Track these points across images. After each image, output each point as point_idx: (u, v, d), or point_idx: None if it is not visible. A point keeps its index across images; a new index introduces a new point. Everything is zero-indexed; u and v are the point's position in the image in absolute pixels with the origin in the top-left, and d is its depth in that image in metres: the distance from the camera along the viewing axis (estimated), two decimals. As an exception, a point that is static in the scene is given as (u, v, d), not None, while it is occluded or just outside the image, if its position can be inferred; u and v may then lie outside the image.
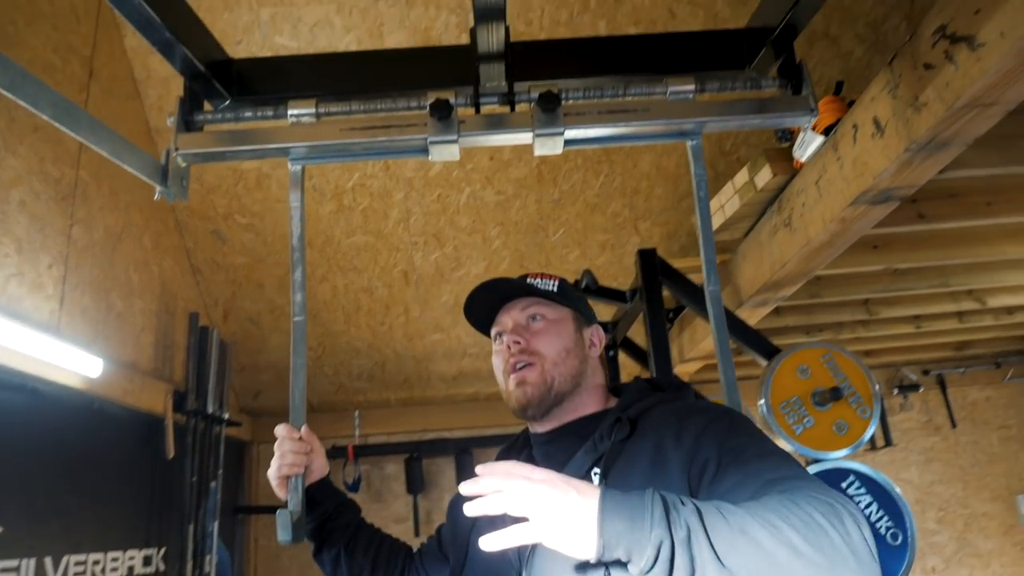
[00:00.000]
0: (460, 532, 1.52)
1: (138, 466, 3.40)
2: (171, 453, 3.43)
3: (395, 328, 4.54)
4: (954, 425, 5.38)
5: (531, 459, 1.46)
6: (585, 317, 1.48)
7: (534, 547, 1.30)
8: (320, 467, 1.56)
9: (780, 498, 0.95)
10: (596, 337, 1.48)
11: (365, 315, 4.44)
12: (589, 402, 1.41)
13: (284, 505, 1.47)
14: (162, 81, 3.40)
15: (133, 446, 3.38)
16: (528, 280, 1.43)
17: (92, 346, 2.94)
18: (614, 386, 1.50)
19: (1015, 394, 5.50)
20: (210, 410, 3.75)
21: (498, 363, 1.43)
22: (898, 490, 2.62)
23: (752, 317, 3.25)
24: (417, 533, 4.64)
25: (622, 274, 4.31)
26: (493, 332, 1.47)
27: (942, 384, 5.42)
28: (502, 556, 1.36)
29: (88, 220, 3.07)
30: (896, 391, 5.31)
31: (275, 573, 4.81)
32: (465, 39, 3.38)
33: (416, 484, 4.73)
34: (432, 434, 4.95)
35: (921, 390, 5.34)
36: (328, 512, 1.57)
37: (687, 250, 4.22)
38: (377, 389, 4.92)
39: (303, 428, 1.53)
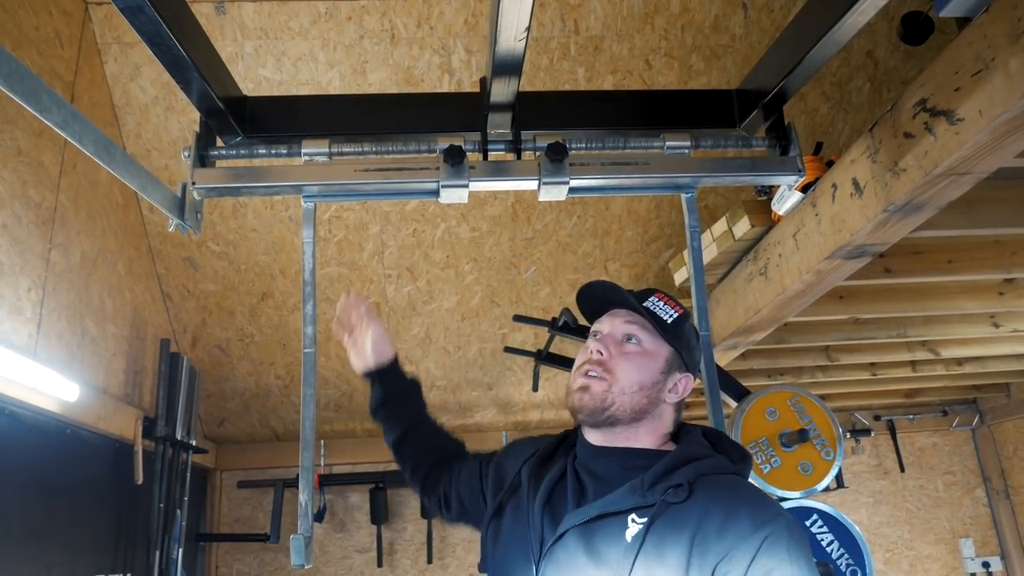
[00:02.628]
0: (501, 485, 1.55)
1: (107, 492, 3.36)
2: (140, 479, 3.40)
3: (364, 359, 4.55)
4: (902, 469, 5.56)
5: (574, 461, 1.46)
6: (684, 361, 1.44)
7: (551, 550, 1.32)
8: (376, 350, 1.74)
9: None
10: (683, 385, 1.43)
11: (335, 345, 4.44)
12: (645, 438, 1.40)
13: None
14: (141, 109, 3.42)
15: (103, 471, 3.34)
16: (651, 299, 1.43)
17: (67, 370, 2.92)
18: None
19: (960, 442, 5.72)
20: (179, 436, 3.72)
21: (579, 358, 1.44)
22: (858, 529, 2.73)
23: (722, 359, 3.36)
24: (380, 564, 4.62)
25: (591, 313, 4.40)
26: (594, 327, 1.47)
27: (892, 430, 5.61)
28: (523, 543, 1.39)
29: (66, 244, 3.06)
30: (849, 435, 5.47)
31: (235, 603, 4.76)
32: (446, 81, 3.50)
33: (380, 514, 4.72)
34: (398, 465, 4.94)
35: (872, 435, 5.52)
36: (383, 397, 1.74)
37: (654, 292, 4.33)
38: (344, 419, 4.91)
39: (353, 295, 1.82)
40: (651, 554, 1.19)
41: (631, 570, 1.19)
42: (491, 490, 1.58)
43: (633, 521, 1.24)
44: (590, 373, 1.38)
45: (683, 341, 1.43)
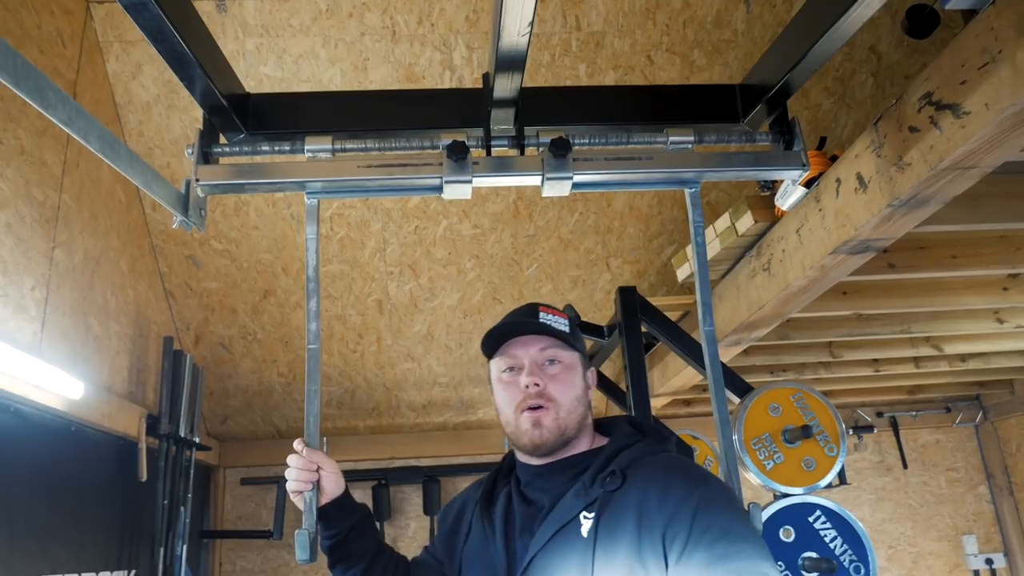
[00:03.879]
0: (454, 547, 1.59)
1: (112, 489, 3.37)
2: (144, 476, 3.40)
3: (367, 356, 4.56)
4: (905, 466, 5.56)
5: (518, 487, 1.54)
6: (585, 359, 1.56)
7: (525, 570, 1.38)
8: (331, 487, 1.57)
9: None
10: (592, 379, 1.57)
11: (338, 342, 4.45)
12: (583, 441, 1.51)
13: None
14: (143, 107, 3.41)
15: (108, 469, 3.35)
16: (542, 317, 1.49)
17: (71, 368, 2.92)
18: (598, 422, 1.58)
19: (963, 438, 5.71)
20: (182, 434, 3.73)
21: (507, 395, 1.49)
22: (861, 525, 2.72)
23: (724, 356, 3.35)
24: (382, 563, 4.62)
25: (592, 309, 4.40)
26: (503, 362, 1.51)
27: (895, 426, 5.60)
28: (492, 572, 1.44)
29: (69, 243, 3.06)
30: (851, 432, 5.47)
31: (239, 600, 4.77)
32: (447, 78, 3.49)
33: (383, 511, 4.74)
34: (400, 462, 4.97)
35: (875, 431, 5.51)
36: (342, 532, 1.58)
37: (656, 288, 4.33)
38: (346, 416, 4.92)
39: (305, 448, 1.56)
40: (606, 540, 1.30)
41: (593, 560, 1.29)
42: (447, 557, 1.61)
43: (585, 518, 1.34)
44: (534, 407, 1.45)
45: (580, 342, 1.54)
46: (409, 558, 1.73)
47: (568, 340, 1.49)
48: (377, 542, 1.65)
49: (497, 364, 1.53)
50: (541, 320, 1.48)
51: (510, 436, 1.51)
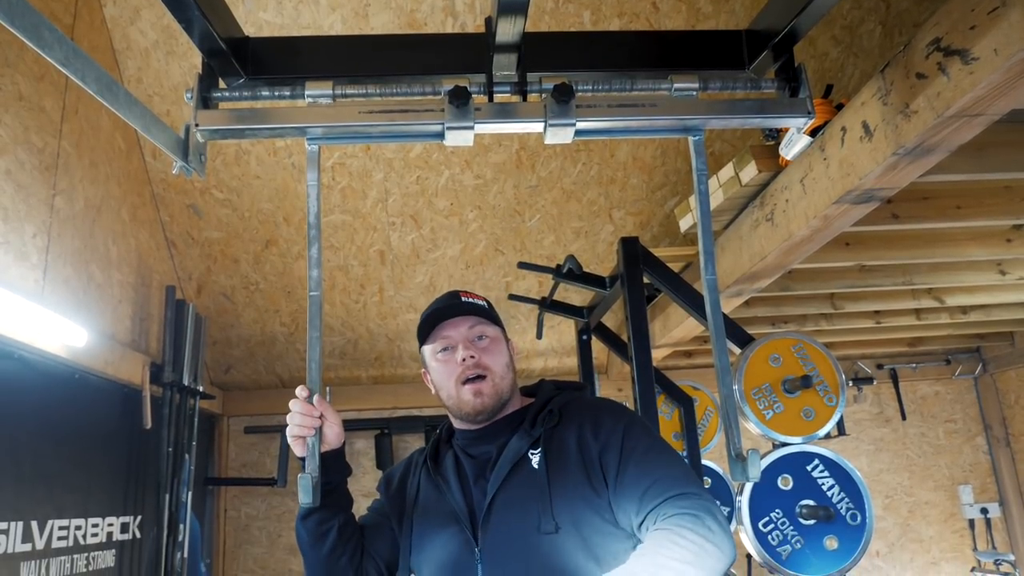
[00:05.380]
0: (403, 507, 1.69)
1: (116, 436, 3.41)
2: (148, 424, 3.44)
3: (369, 307, 4.57)
4: (904, 418, 5.60)
5: (461, 449, 1.68)
6: (505, 333, 1.74)
7: (486, 515, 1.51)
8: (332, 436, 1.61)
9: (660, 535, 1.33)
10: (514, 350, 1.74)
11: (340, 293, 4.46)
12: (513, 403, 1.68)
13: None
14: (141, 53, 3.37)
15: (112, 416, 3.38)
16: (463, 300, 1.67)
17: (74, 316, 2.93)
18: (522, 388, 1.76)
19: (962, 390, 5.75)
20: (186, 382, 3.76)
21: (446, 371, 1.64)
22: (859, 474, 2.75)
23: (726, 307, 3.36)
24: (384, 510, 4.70)
25: (595, 260, 4.39)
26: (438, 345, 1.66)
27: (895, 378, 5.63)
28: (454, 526, 1.55)
29: (70, 191, 3.05)
30: (851, 383, 5.50)
31: (244, 543, 4.86)
32: (450, 24, 3.44)
33: (386, 459, 4.80)
34: (402, 411, 5.02)
35: (874, 383, 5.55)
36: (334, 483, 1.63)
37: (658, 239, 4.32)
38: (349, 366, 4.96)
39: (315, 396, 1.59)
40: (557, 468, 1.52)
41: (549, 487, 1.49)
42: (396, 519, 1.70)
43: (532, 454, 1.56)
44: (471, 377, 1.62)
45: (498, 318, 1.73)
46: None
47: (491, 316, 1.68)
48: (352, 502, 1.72)
49: (432, 348, 1.68)
50: (464, 301, 1.66)
51: (451, 408, 1.66)
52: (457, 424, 1.71)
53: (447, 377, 1.64)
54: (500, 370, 1.64)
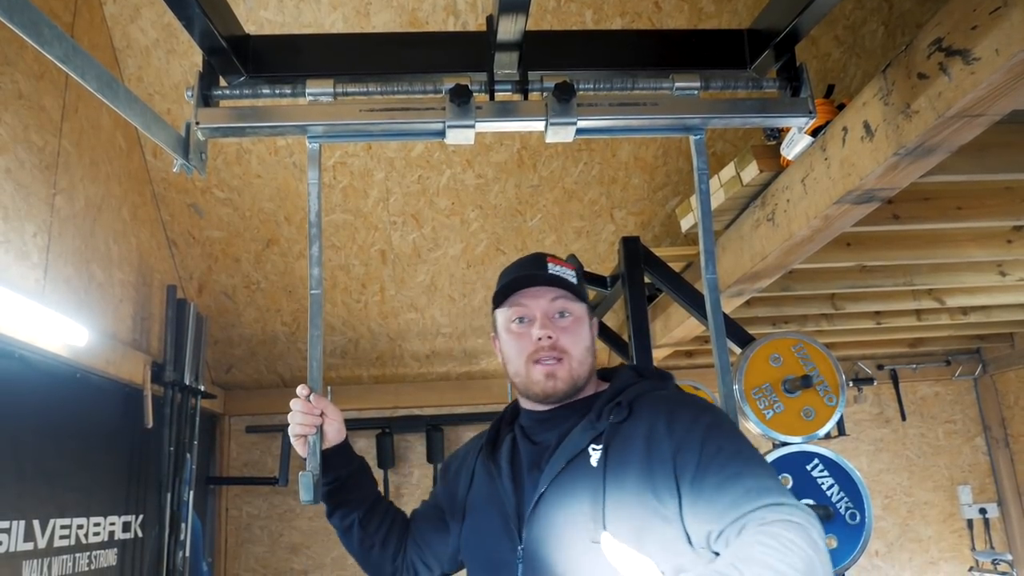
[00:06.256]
0: (457, 494, 1.61)
1: (118, 435, 3.41)
2: (150, 423, 3.44)
3: (370, 306, 4.57)
4: (904, 418, 5.60)
5: (522, 432, 1.55)
6: (591, 309, 1.57)
7: (533, 511, 1.39)
8: (333, 433, 1.59)
9: (760, 537, 1.13)
10: (595, 328, 1.58)
11: (341, 292, 4.46)
12: (588, 388, 1.52)
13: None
14: (142, 51, 3.37)
15: (114, 415, 3.39)
16: (551, 268, 1.49)
17: (75, 315, 2.93)
18: (600, 371, 1.59)
19: (962, 391, 5.75)
20: (187, 382, 3.76)
21: (519, 346, 1.49)
22: (858, 474, 2.75)
23: (726, 307, 3.36)
24: (385, 509, 4.71)
25: (596, 260, 4.40)
26: (513, 312, 1.50)
27: (895, 379, 5.63)
28: (500, 518, 1.45)
29: (70, 190, 3.05)
30: (851, 384, 5.50)
31: (245, 542, 4.86)
32: (451, 23, 3.44)
33: (387, 459, 4.80)
34: (403, 411, 5.03)
35: (875, 384, 5.55)
36: (341, 479, 1.61)
37: (659, 239, 4.32)
38: (350, 366, 4.96)
39: (312, 394, 1.58)
40: (616, 469, 1.33)
41: (604, 489, 1.32)
42: (450, 509, 1.63)
43: (593, 450, 1.38)
44: (546, 360, 1.46)
45: (585, 292, 1.55)
46: (412, 507, 1.76)
47: (576, 292, 1.49)
48: (375, 493, 1.68)
49: (505, 314, 1.52)
50: (551, 272, 1.48)
51: (519, 386, 1.51)
52: (524, 404, 1.56)
53: (518, 353, 1.48)
54: (579, 354, 1.47)
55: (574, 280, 1.50)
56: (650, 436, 1.34)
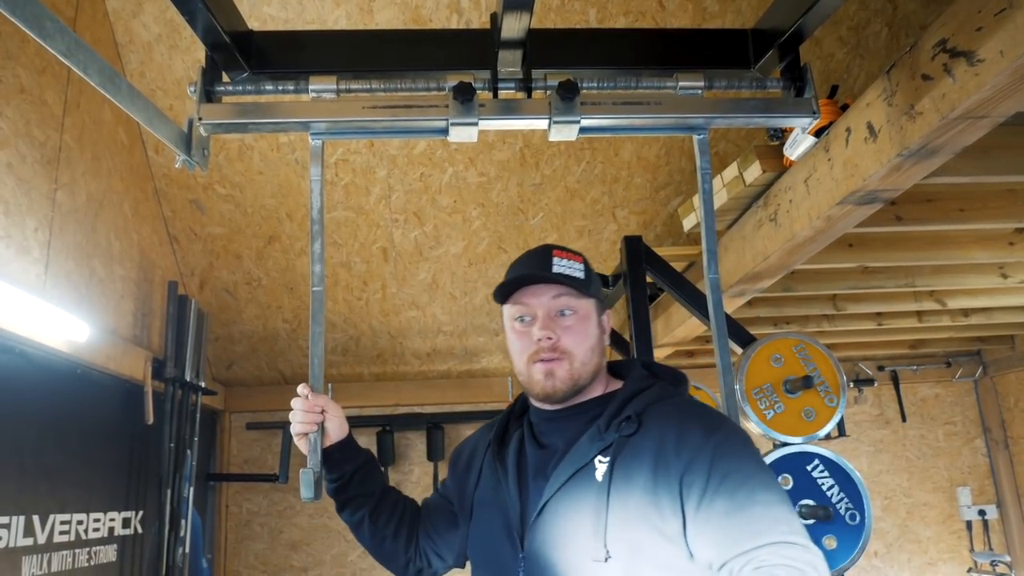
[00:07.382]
0: (465, 490, 1.59)
1: (118, 431, 3.41)
2: (150, 419, 3.44)
3: (371, 304, 4.57)
4: (904, 419, 5.60)
5: (530, 430, 1.53)
6: (601, 304, 1.52)
7: (536, 521, 1.38)
8: (335, 430, 1.58)
9: None
10: (607, 323, 1.53)
11: (343, 289, 4.46)
12: (596, 386, 1.49)
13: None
14: (144, 47, 3.37)
15: (114, 411, 3.39)
16: (556, 263, 1.44)
17: (76, 311, 2.93)
18: (611, 364, 1.56)
19: (962, 392, 5.75)
20: (188, 378, 3.76)
21: (520, 345, 1.46)
22: (858, 475, 2.75)
23: (728, 307, 3.36)
24: (385, 506, 4.72)
25: (598, 259, 4.39)
26: (515, 311, 1.47)
27: (895, 380, 5.63)
28: (504, 523, 1.44)
29: (72, 185, 3.04)
30: (852, 385, 5.50)
31: (245, 539, 4.87)
32: (455, 20, 3.43)
33: (387, 457, 4.80)
34: (404, 408, 5.03)
35: (875, 385, 5.55)
36: (347, 475, 1.59)
37: (661, 239, 4.32)
38: (351, 363, 4.96)
39: (309, 392, 1.57)
40: (621, 485, 1.30)
41: (607, 504, 1.28)
42: (459, 501, 1.62)
43: (600, 462, 1.34)
44: (546, 359, 1.42)
45: (595, 287, 1.49)
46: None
47: (582, 288, 1.44)
48: (383, 486, 1.66)
49: (509, 311, 1.49)
50: (555, 270, 1.43)
51: (523, 384, 1.49)
52: (531, 400, 1.54)
53: (520, 352, 1.45)
54: (582, 354, 1.42)
55: (580, 275, 1.45)
56: (658, 452, 1.30)
